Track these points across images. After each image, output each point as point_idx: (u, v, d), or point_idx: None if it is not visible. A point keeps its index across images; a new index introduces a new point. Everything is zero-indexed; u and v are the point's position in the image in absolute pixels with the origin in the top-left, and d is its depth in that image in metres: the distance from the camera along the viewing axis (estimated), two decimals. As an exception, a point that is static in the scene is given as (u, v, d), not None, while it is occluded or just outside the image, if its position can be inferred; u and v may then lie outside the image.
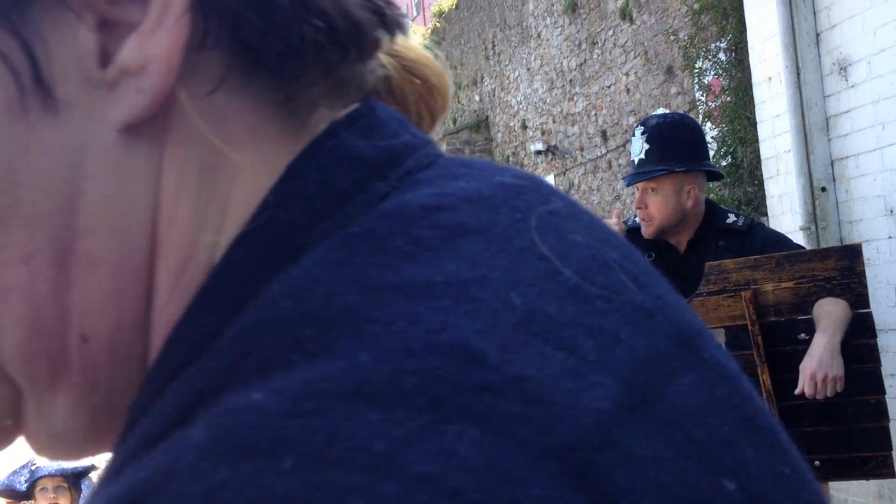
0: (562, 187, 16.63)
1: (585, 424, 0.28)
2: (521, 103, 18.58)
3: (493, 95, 20.05)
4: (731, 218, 2.95)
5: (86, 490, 3.64)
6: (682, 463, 0.29)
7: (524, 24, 17.97)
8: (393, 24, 0.42)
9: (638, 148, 2.95)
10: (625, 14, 13.73)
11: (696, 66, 9.27)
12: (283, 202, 0.36)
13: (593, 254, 0.35)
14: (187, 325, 0.35)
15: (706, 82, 9.04)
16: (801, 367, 2.60)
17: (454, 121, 22.61)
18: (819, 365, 2.57)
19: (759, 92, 4.38)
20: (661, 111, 3.37)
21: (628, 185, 2.93)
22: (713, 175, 3.00)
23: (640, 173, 2.86)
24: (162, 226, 0.37)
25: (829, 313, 2.68)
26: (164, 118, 0.36)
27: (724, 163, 9.11)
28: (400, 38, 0.45)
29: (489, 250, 0.33)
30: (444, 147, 20.85)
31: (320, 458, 0.25)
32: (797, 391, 2.61)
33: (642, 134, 2.92)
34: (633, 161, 2.93)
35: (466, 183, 0.37)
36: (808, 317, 2.73)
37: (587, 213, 0.39)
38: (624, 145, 14.32)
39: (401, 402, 0.27)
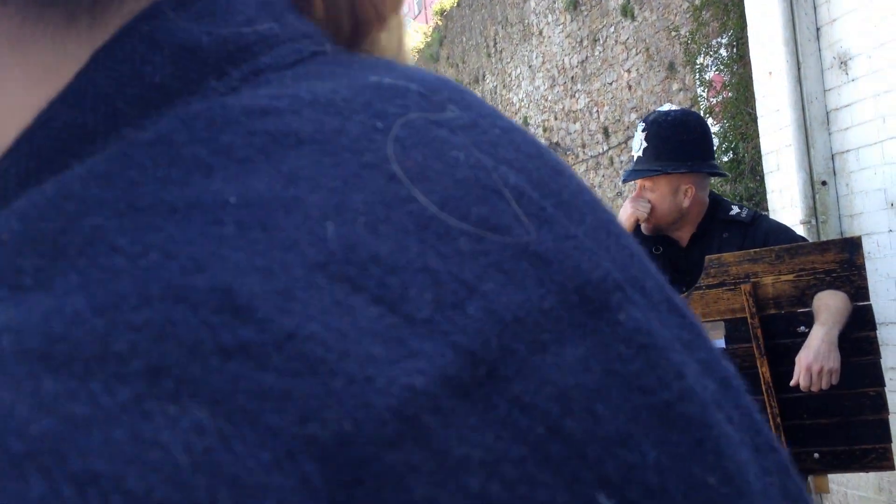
0: (564, 184, 16.60)
1: (379, 408, 0.21)
2: (522, 101, 18.59)
3: (495, 93, 20.07)
4: (735, 210, 2.95)
5: None
6: (531, 469, 0.22)
7: (525, 21, 17.97)
8: None
9: (637, 144, 2.95)
10: (626, 11, 13.72)
11: (698, 62, 9.28)
12: (73, 100, 0.29)
13: (478, 176, 0.28)
14: None
15: (707, 78, 9.05)
16: (798, 358, 2.61)
17: (456, 118, 22.57)
18: (815, 357, 2.57)
19: (760, 87, 4.39)
20: (666, 107, 3.30)
21: (625, 181, 2.93)
22: (716, 172, 3.01)
23: (636, 171, 2.88)
24: None
25: (828, 306, 2.69)
26: None
27: (725, 158, 9.11)
28: None
29: (318, 165, 0.26)
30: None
31: None
32: (792, 383, 2.62)
33: (643, 131, 2.92)
34: (633, 157, 2.93)
35: (324, 83, 0.30)
36: (808, 310, 2.74)
37: (507, 130, 0.32)
38: (626, 142, 14.33)
39: (101, 369, 0.20)
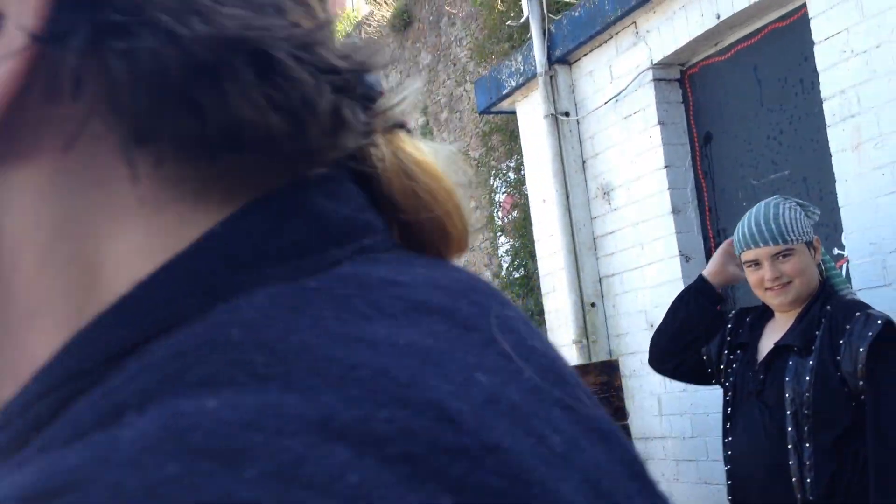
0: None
1: None
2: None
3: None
4: None
5: None
6: None
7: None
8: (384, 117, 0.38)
9: None
10: (425, 132, 14.28)
11: (489, 183, 9.75)
12: (230, 237, 0.33)
13: (550, 365, 0.34)
14: (92, 332, 0.31)
15: (497, 200, 9.51)
16: None
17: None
18: None
19: (536, 212, 4.64)
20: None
21: None
22: None
23: None
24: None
25: None
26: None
27: (516, 274, 9.51)
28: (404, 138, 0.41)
29: (452, 331, 0.31)
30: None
31: (287, 476, 0.23)
32: None
33: None
34: None
35: (426, 270, 0.35)
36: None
37: (537, 330, 0.38)
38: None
39: (372, 448, 0.25)
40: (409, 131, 0.41)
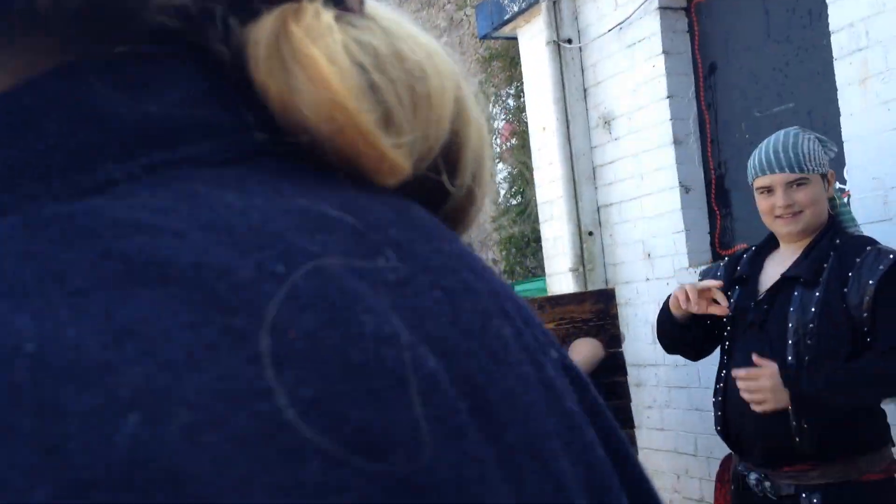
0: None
1: None
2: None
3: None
4: None
5: None
6: None
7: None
8: None
9: None
10: (424, 55, 14.09)
11: (488, 110, 9.68)
12: None
13: (381, 357, 0.23)
14: None
15: (497, 127, 9.45)
16: None
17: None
18: None
19: (535, 140, 4.63)
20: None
21: None
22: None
23: None
24: None
25: (577, 354, 2.86)
26: None
27: (514, 202, 9.51)
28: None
29: (166, 320, 0.21)
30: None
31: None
32: None
33: None
34: None
35: (241, 197, 0.25)
36: (567, 356, 2.90)
37: (451, 293, 0.27)
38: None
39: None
40: (345, 7, 0.30)
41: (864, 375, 2.27)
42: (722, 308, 2.44)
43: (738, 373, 2.36)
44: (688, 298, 2.45)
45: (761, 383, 2.30)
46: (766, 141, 2.45)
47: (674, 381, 3.76)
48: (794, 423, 2.35)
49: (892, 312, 2.25)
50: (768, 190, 2.42)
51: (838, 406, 2.28)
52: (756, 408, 2.32)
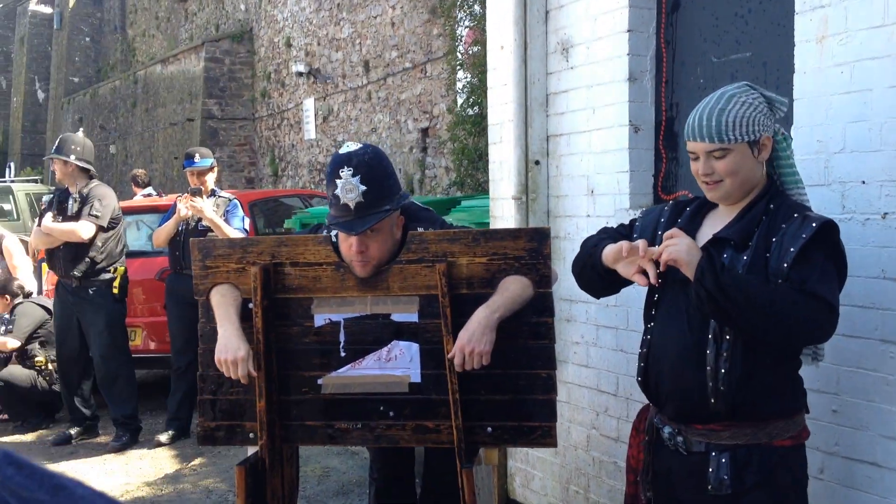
0: (321, 113, 16.43)
1: None
2: (287, 20, 18.07)
3: (259, 7, 19.35)
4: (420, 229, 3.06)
5: None
6: None
7: (297, -62, 17.36)
8: None
9: (350, 191, 2.82)
10: (395, -52, 13.62)
11: (454, 14, 9.41)
12: None
13: None
14: None
15: (459, 33, 9.20)
16: (458, 337, 2.75)
17: (217, 27, 21.61)
18: (469, 339, 2.71)
19: (492, 58, 4.49)
20: (351, 146, 3.22)
21: (355, 233, 2.84)
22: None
23: (365, 217, 2.82)
24: None
25: (504, 290, 2.83)
26: None
27: (470, 112, 9.37)
28: None
29: None
30: (203, 54, 19.78)
31: None
32: (448, 356, 2.77)
33: (353, 175, 2.82)
34: (347, 205, 2.82)
35: None
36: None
37: None
38: (385, 78, 14.34)
39: None
40: None
41: (767, 291, 2.26)
42: (643, 280, 2.44)
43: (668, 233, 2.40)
44: (629, 254, 2.44)
45: (680, 240, 2.34)
46: (700, 103, 2.40)
47: (602, 321, 3.77)
48: (710, 383, 2.37)
49: (804, 268, 2.25)
50: (694, 155, 2.40)
51: (726, 306, 2.26)
52: (668, 253, 2.34)
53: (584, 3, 3.90)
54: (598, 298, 2.86)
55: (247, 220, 6.47)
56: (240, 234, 6.06)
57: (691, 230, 2.50)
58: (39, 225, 6.26)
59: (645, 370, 2.58)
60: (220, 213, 6.26)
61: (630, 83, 3.66)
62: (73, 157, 6.12)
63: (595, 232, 2.83)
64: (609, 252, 2.52)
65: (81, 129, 7.25)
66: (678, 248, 2.32)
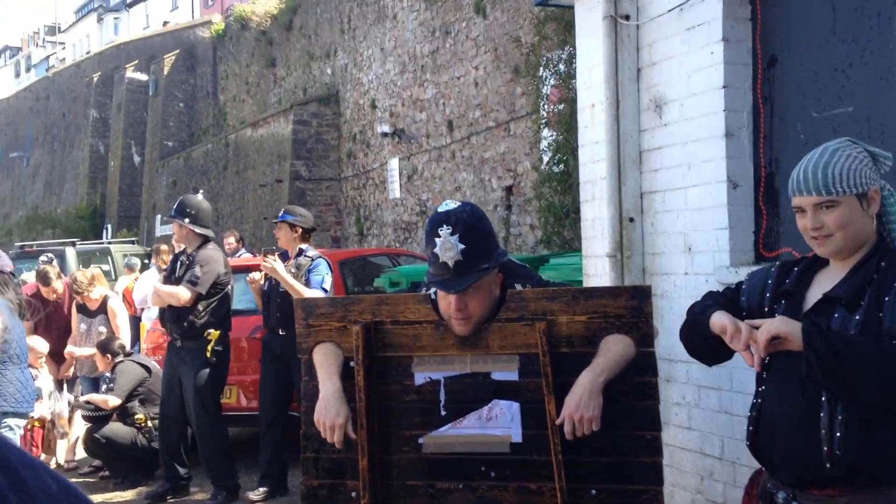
0: (405, 172, 16.68)
1: None
2: (372, 82, 18.51)
3: (346, 71, 19.87)
4: (518, 287, 3.06)
5: None
6: None
7: (381, 2, 17.85)
8: None
9: (448, 249, 2.83)
10: (479, 8, 13.89)
11: (539, 73, 9.50)
12: None
13: None
14: None
15: (545, 91, 9.28)
16: (564, 403, 2.72)
17: (304, 91, 22.25)
18: (577, 405, 2.68)
19: (583, 117, 4.52)
20: (450, 204, 3.24)
21: (454, 292, 2.83)
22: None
23: (465, 276, 2.82)
24: None
25: (607, 350, 2.80)
26: None
27: (556, 169, 9.41)
28: None
29: None
30: (291, 117, 20.33)
31: None
32: (557, 422, 2.73)
33: (452, 234, 2.83)
34: (447, 264, 2.82)
35: None
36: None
37: None
38: (469, 137, 14.52)
39: None
40: None
41: (881, 351, 2.19)
42: (750, 359, 2.40)
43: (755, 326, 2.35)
44: (733, 338, 2.40)
45: (771, 320, 2.31)
46: (803, 159, 2.37)
47: (705, 381, 3.70)
48: (825, 447, 2.29)
49: None
50: (801, 210, 2.37)
51: (839, 368, 2.19)
52: (768, 332, 2.29)
53: (677, 61, 3.91)
54: (711, 366, 2.80)
55: (328, 280, 6.37)
56: (317, 292, 6.13)
57: (800, 290, 2.45)
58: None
59: (755, 434, 2.51)
60: (302, 272, 6.35)
61: (727, 139, 3.63)
62: (186, 221, 6.29)
63: (700, 297, 2.79)
64: (716, 323, 2.48)
65: (200, 192, 7.51)
66: (774, 324, 2.28)
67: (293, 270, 6.34)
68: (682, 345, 2.73)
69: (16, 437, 4.84)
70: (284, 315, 6.27)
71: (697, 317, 2.61)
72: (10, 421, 4.64)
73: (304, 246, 6.50)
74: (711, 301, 2.65)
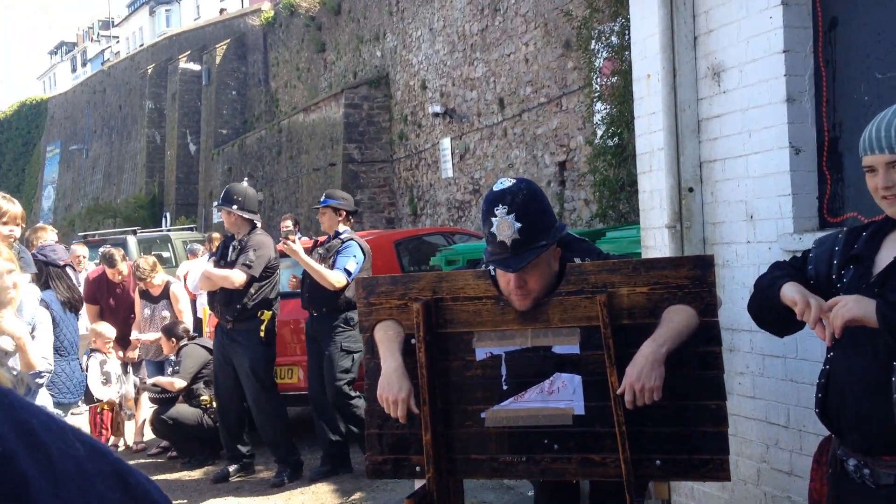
0: (457, 151, 16.66)
1: None
2: (422, 63, 18.49)
3: (395, 53, 19.88)
4: (577, 261, 3.04)
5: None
6: None
7: (429, -17, 17.79)
8: None
9: (505, 228, 2.83)
10: (529, -16, 13.75)
11: (591, 47, 9.38)
12: None
13: None
14: None
15: (597, 64, 9.16)
16: (625, 373, 2.70)
17: (354, 74, 22.32)
18: (638, 375, 2.66)
19: (638, 88, 4.46)
20: (505, 182, 3.22)
21: (513, 271, 2.84)
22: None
23: (522, 254, 2.83)
24: None
25: (669, 321, 2.78)
26: None
27: (610, 143, 9.30)
28: None
29: None
30: (342, 101, 20.40)
31: None
32: (618, 392, 2.72)
33: (508, 213, 2.83)
34: (504, 243, 2.83)
35: None
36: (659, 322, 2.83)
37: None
38: (520, 114, 14.43)
39: None
40: None
41: None
42: (822, 333, 2.35)
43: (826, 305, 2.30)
44: (805, 312, 2.37)
45: (843, 301, 2.25)
46: (876, 117, 2.31)
47: (769, 350, 3.64)
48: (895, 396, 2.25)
49: None
50: (872, 169, 2.31)
51: None
52: (842, 318, 2.23)
53: (735, 27, 3.83)
54: (783, 337, 2.75)
55: (352, 263, 6.31)
56: (339, 274, 6.18)
57: (869, 254, 2.40)
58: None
59: (824, 400, 2.47)
60: (331, 253, 6.40)
61: (789, 104, 3.56)
62: (234, 208, 6.43)
63: (764, 266, 2.75)
64: (786, 296, 2.44)
65: (246, 179, 7.62)
66: (847, 307, 2.23)
67: (320, 252, 6.44)
68: (752, 318, 2.69)
69: None
70: (313, 297, 6.37)
71: (766, 289, 2.57)
72: (53, 411, 4.77)
73: (340, 228, 6.54)
74: (780, 272, 2.61)
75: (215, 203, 7.17)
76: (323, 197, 6.71)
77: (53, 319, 4.55)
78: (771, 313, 2.57)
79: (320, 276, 6.14)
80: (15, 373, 4.01)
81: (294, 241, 6.15)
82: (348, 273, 6.21)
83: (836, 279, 2.45)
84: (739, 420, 3.82)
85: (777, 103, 3.60)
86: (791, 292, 2.42)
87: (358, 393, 6.37)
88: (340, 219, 6.50)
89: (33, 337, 4.15)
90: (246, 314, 6.44)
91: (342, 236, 6.50)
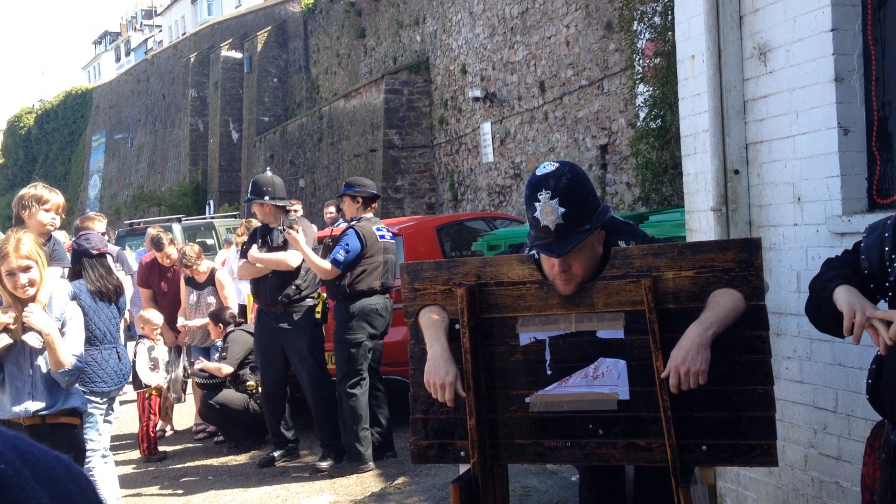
0: (498, 136, 16.61)
1: None
2: (462, 47, 18.43)
3: (435, 37, 19.84)
4: (622, 244, 3.02)
5: None
6: None
7: (468, -34, 17.70)
8: None
9: (549, 214, 2.83)
10: (568, -35, 13.62)
11: (633, 28, 9.28)
12: None
13: None
14: None
15: (639, 46, 9.05)
16: (670, 356, 2.68)
17: (394, 60, 22.33)
18: (683, 359, 2.64)
19: (683, 69, 4.41)
20: (548, 167, 3.19)
21: (556, 255, 2.83)
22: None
23: (566, 238, 2.83)
24: None
25: (715, 304, 2.75)
26: None
27: (653, 125, 9.21)
28: None
29: None
30: (382, 87, 20.41)
31: None
32: (662, 376, 2.70)
33: (552, 198, 2.82)
34: (548, 227, 2.82)
35: None
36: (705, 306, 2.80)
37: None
38: (561, 98, 14.33)
39: None
40: None
41: None
42: (876, 340, 2.31)
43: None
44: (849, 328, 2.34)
45: None
46: None
47: (816, 334, 3.58)
48: None
49: None
50: None
51: None
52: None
53: (781, 5, 3.77)
54: (844, 338, 2.70)
55: (342, 252, 6.27)
56: (327, 263, 6.23)
57: None
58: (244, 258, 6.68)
59: (875, 385, 2.43)
60: (335, 243, 6.45)
61: (837, 84, 3.49)
62: (267, 199, 6.53)
63: (810, 247, 2.70)
64: (838, 301, 2.41)
65: (269, 167, 7.69)
66: None
67: (328, 242, 6.57)
68: (810, 321, 2.65)
69: (99, 416, 4.98)
70: (328, 284, 6.45)
71: (819, 293, 2.53)
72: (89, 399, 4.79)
73: (363, 215, 6.53)
74: (832, 273, 2.55)
75: (245, 199, 7.22)
76: (343, 186, 6.76)
77: (83, 309, 4.51)
78: (827, 318, 2.52)
79: (314, 265, 6.29)
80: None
81: (298, 231, 6.21)
82: (337, 262, 6.23)
83: (889, 266, 2.41)
84: (787, 405, 3.78)
85: (825, 83, 3.54)
86: (841, 301, 2.39)
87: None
88: (358, 205, 6.51)
89: (63, 333, 4.09)
90: (301, 297, 6.55)
91: (353, 224, 6.52)
